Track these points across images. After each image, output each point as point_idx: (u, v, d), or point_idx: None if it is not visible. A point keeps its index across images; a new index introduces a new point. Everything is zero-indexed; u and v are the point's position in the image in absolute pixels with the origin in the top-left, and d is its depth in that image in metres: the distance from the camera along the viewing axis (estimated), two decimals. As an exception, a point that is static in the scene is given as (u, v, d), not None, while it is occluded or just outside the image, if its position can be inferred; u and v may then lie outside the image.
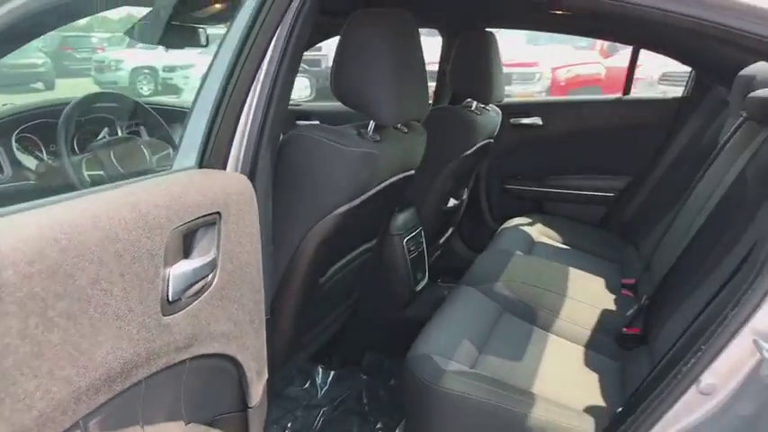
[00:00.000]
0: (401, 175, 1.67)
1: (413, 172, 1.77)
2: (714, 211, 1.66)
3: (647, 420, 1.02)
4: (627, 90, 2.82)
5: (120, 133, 2.04)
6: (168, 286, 0.81)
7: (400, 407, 2.01)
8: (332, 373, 2.18)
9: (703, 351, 0.94)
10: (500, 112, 2.59)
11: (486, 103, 2.37)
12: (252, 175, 1.11)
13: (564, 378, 1.53)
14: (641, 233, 2.49)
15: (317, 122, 2.78)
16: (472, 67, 2.25)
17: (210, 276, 0.89)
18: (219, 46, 1.08)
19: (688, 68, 2.73)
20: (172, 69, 9.35)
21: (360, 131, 1.45)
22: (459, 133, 2.23)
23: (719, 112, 2.37)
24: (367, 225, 1.74)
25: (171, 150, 2.09)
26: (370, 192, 1.48)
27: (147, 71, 9.68)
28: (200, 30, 2.05)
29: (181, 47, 2.09)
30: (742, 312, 0.90)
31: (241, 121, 1.07)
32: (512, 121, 2.91)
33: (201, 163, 0.96)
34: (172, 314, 0.82)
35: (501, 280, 1.92)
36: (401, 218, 2.07)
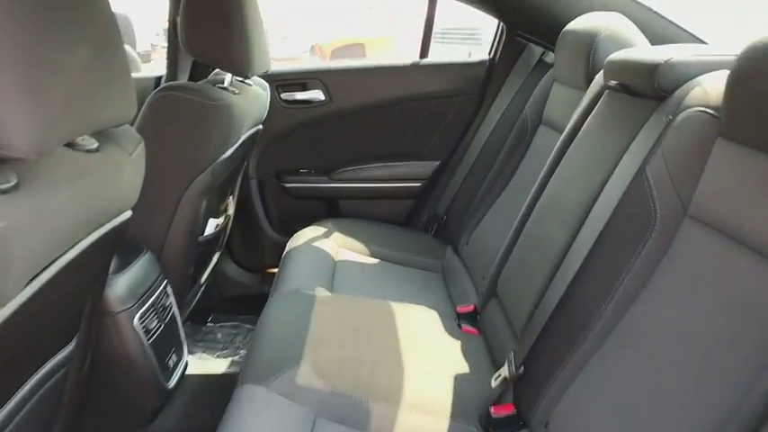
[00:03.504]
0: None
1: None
2: (607, 226, 1.12)
3: None
4: (424, 52, 2.24)
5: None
6: None
7: None
8: None
9: None
10: (267, 86, 1.85)
11: (246, 77, 1.59)
12: None
13: None
14: (460, 230, 2.00)
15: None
16: (217, 23, 1.44)
17: None
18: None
19: (471, 25, 2.24)
20: None
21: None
22: (210, 127, 1.43)
23: (540, 77, 1.90)
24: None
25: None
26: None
27: None
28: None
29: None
30: None
31: None
32: (283, 96, 2.20)
33: None
34: None
35: (303, 363, 1.21)
36: (122, 282, 1.23)
